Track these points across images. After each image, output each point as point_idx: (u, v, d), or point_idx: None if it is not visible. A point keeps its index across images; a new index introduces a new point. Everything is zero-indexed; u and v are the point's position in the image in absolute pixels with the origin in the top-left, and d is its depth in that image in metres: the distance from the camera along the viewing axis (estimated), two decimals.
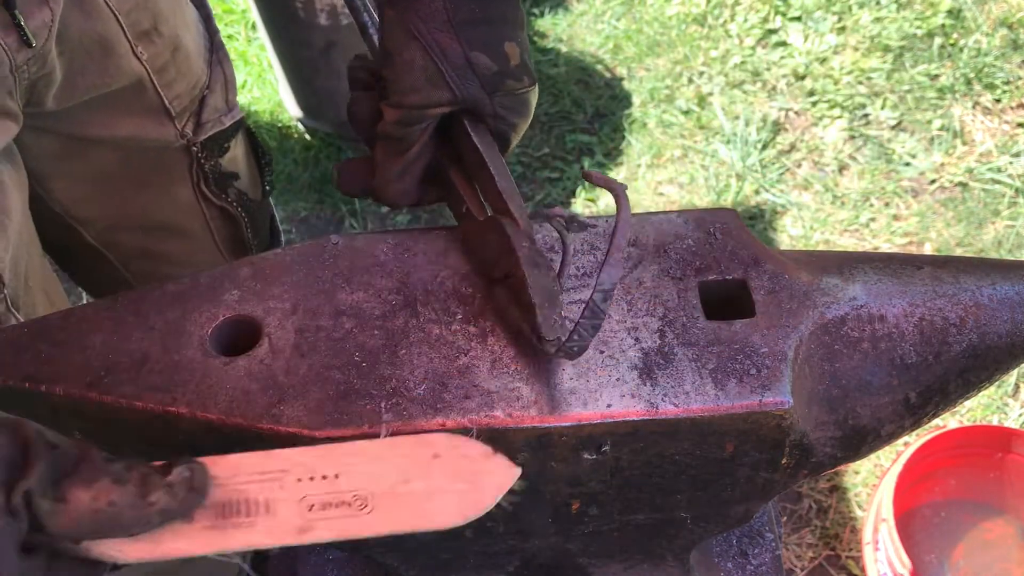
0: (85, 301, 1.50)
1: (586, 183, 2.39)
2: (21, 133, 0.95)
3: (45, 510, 0.50)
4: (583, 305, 0.62)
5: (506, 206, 0.74)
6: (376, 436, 0.65)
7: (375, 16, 0.84)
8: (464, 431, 0.62)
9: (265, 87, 2.64)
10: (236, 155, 1.20)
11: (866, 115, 2.46)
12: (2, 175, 0.93)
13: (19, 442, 0.51)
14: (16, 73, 0.88)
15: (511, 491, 0.59)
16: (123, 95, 1.03)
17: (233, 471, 0.57)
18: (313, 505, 0.57)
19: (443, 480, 0.57)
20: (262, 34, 2.33)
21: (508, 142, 0.79)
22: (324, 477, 0.57)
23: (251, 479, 0.57)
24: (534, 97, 0.78)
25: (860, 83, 2.52)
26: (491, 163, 0.75)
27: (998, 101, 2.46)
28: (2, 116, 0.90)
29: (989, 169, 2.33)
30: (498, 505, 0.59)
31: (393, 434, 0.63)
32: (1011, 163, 2.33)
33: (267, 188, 1.28)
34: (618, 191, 0.64)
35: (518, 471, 0.58)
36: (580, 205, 2.35)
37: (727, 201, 2.32)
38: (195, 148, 1.12)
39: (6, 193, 0.93)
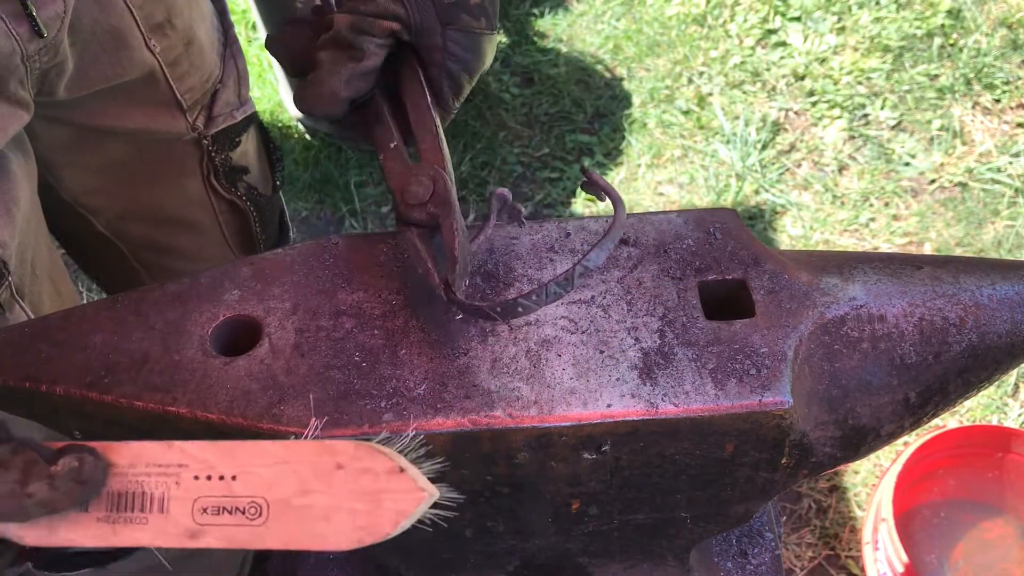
0: (92, 291, 1.48)
1: None
2: (32, 122, 0.95)
3: None
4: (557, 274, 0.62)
5: (441, 157, 0.74)
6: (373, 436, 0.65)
7: None
8: (386, 439, 0.55)
9: (265, 87, 2.64)
10: (247, 149, 1.20)
11: (866, 115, 2.46)
12: (12, 164, 0.94)
13: None
14: (27, 63, 0.89)
15: (441, 506, 0.54)
16: (135, 87, 1.03)
17: (133, 459, 0.54)
18: (207, 508, 0.54)
19: (342, 496, 0.53)
20: (262, 34, 2.33)
21: (459, 86, 0.77)
22: (222, 477, 0.54)
23: (150, 471, 0.54)
24: (491, 44, 0.76)
25: (860, 83, 2.52)
26: (432, 111, 0.75)
27: (998, 101, 2.46)
28: (13, 104, 0.90)
29: (989, 169, 2.33)
30: (424, 521, 0.54)
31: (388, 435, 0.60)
32: (1011, 163, 2.33)
33: (277, 183, 1.28)
34: (614, 197, 0.64)
35: (427, 497, 0.53)
36: (580, 205, 2.35)
37: (727, 201, 2.32)
38: (206, 141, 1.12)
39: (15, 182, 0.94)
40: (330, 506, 0.53)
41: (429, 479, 0.54)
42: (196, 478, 0.54)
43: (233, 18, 2.86)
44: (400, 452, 0.54)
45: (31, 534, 0.54)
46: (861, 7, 2.67)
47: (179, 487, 0.54)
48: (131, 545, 0.55)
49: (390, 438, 0.55)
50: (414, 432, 0.56)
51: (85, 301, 2.10)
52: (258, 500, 0.54)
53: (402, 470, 0.52)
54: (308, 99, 0.76)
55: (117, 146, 1.08)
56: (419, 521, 0.53)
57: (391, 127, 0.77)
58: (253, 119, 1.19)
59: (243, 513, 0.54)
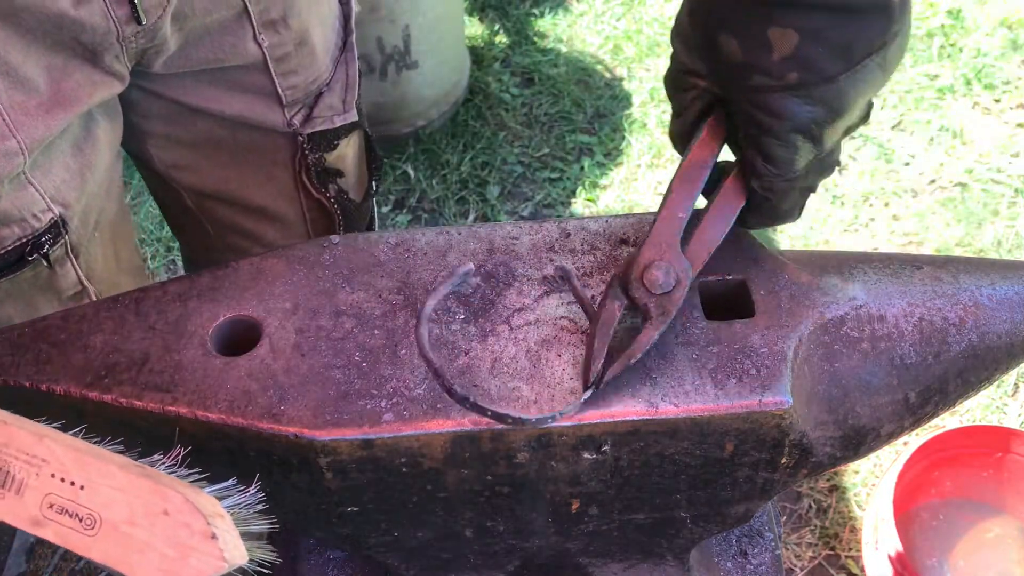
0: (171, 264, 1.46)
1: (585, 183, 2.39)
2: (130, 91, 0.96)
3: None
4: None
5: (701, 258, 0.69)
6: (375, 438, 0.65)
7: None
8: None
9: None
10: (345, 154, 1.19)
11: None
12: (97, 129, 0.95)
13: None
14: (123, 42, 0.89)
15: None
16: (236, 73, 1.03)
17: (7, 441, 0.59)
18: (53, 505, 0.59)
19: (159, 538, 0.58)
20: None
21: (773, 160, 0.64)
22: (72, 483, 0.59)
23: (18, 456, 0.59)
24: (807, 105, 0.60)
25: None
26: (720, 208, 0.68)
27: (998, 101, 2.46)
28: (107, 75, 0.91)
29: (989, 169, 2.33)
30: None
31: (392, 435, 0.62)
32: (1010, 163, 2.33)
33: (372, 191, 1.28)
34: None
35: (225, 566, 0.57)
36: (580, 205, 2.35)
37: None
38: (301, 138, 1.12)
39: (96, 148, 0.95)
40: (147, 543, 0.58)
41: (255, 537, 0.60)
42: (52, 476, 0.59)
43: None
44: (234, 508, 0.59)
45: None
46: None
47: (37, 479, 0.59)
48: None
49: (229, 494, 0.60)
50: (255, 490, 0.62)
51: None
52: (95, 514, 0.59)
53: (214, 536, 0.57)
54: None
55: (210, 126, 1.08)
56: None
57: (687, 185, 0.69)
58: (356, 126, 1.18)
59: (80, 520, 0.59)
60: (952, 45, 2.58)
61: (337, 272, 0.74)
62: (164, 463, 0.61)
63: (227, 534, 0.58)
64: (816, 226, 2.27)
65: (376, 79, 2.28)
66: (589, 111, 2.53)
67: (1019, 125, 2.42)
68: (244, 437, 0.66)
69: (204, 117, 1.07)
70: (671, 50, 0.68)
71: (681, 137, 0.70)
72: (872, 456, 1.91)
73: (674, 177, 0.70)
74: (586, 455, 0.67)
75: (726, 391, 0.66)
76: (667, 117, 2.48)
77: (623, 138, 2.47)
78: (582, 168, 2.42)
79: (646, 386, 0.66)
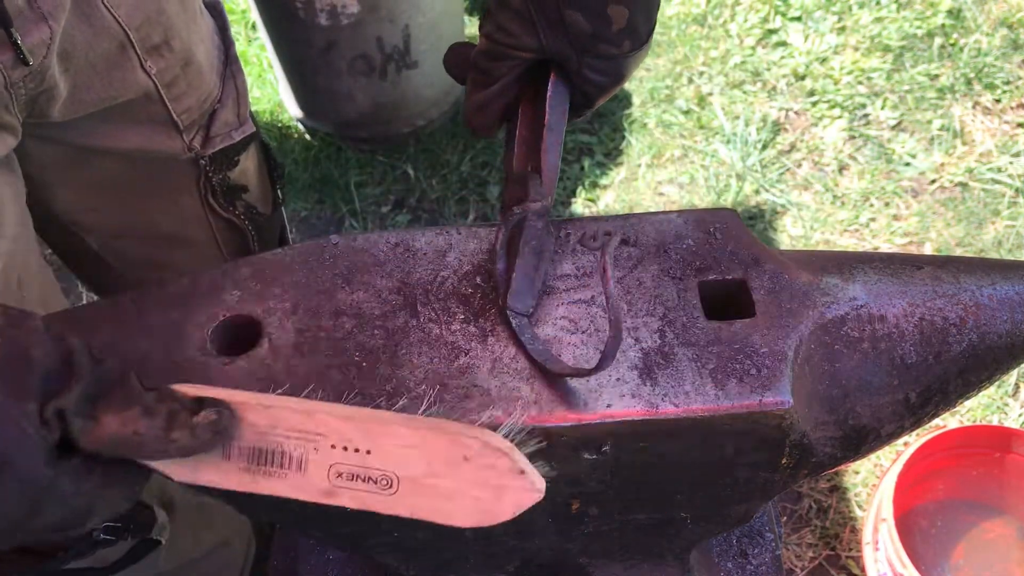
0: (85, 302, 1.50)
1: (585, 183, 2.39)
2: (24, 141, 0.94)
3: (76, 427, 0.52)
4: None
5: (539, 164, 0.75)
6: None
7: None
8: (505, 431, 0.60)
9: (265, 87, 2.64)
10: (247, 168, 1.18)
11: (866, 115, 2.46)
12: None
13: (63, 355, 0.53)
14: (12, 90, 0.87)
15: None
16: (130, 107, 1.02)
17: (273, 424, 0.59)
18: (342, 474, 0.59)
19: (467, 484, 0.58)
20: (262, 34, 2.33)
21: (591, 102, 0.78)
22: (357, 450, 0.59)
23: (289, 435, 0.59)
24: (635, 61, 0.75)
25: (860, 83, 2.52)
26: (548, 120, 0.76)
27: (998, 101, 2.46)
28: None
29: (989, 169, 2.33)
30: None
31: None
32: (1011, 163, 2.33)
33: (278, 201, 1.27)
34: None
35: (539, 495, 0.59)
36: (580, 205, 2.35)
37: (727, 201, 2.32)
38: (203, 161, 1.11)
39: (1, 204, 0.92)
40: (455, 490, 0.59)
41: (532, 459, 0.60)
42: (333, 447, 0.59)
43: (233, 18, 2.87)
44: (518, 445, 0.59)
45: (178, 472, 0.59)
46: (862, 7, 2.67)
47: (317, 452, 0.59)
48: (269, 494, 0.60)
49: (511, 432, 0.60)
50: (531, 426, 0.62)
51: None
52: (389, 474, 0.59)
53: (522, 471, 0.58)
54: (463, 117, 0.80)
55: (111, 165, 1.06)
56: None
57: (514, 133, 0.79)
58: (253, 138, 1.17)
59: (375, 483, 0.59)
60: (952, 45, 2.58)
61: (337, 272, 0.74)
62: (428, 410, 0.61)
63: (527, 464, 0.58)
64: (816, 226, 2.26)
65: (376, 79, 2.28)
66: None
67: (1020, 125, 2.42)
68: None
69: (103, 156, 1.05)
70: (502, 28, 0.74)
71: (489, 103, 0.77)
72: (872, 456, 1.91)
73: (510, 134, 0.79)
74: (586, 455, 0.67)
75: (726, 391, 0.66)
76: (668, 116, 2.49)
77: (623, 138, 2.47)
78: (582, 168, 2.42)
79: (646, 386, 0.66)
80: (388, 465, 0.59)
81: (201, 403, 0.57)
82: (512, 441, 0.59)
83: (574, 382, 0.66)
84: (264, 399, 0.60)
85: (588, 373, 0.64)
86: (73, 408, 0.52)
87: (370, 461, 0.59)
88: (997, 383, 1.82)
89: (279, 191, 1.27)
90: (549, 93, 0.76)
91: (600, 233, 0.75)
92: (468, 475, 0.58)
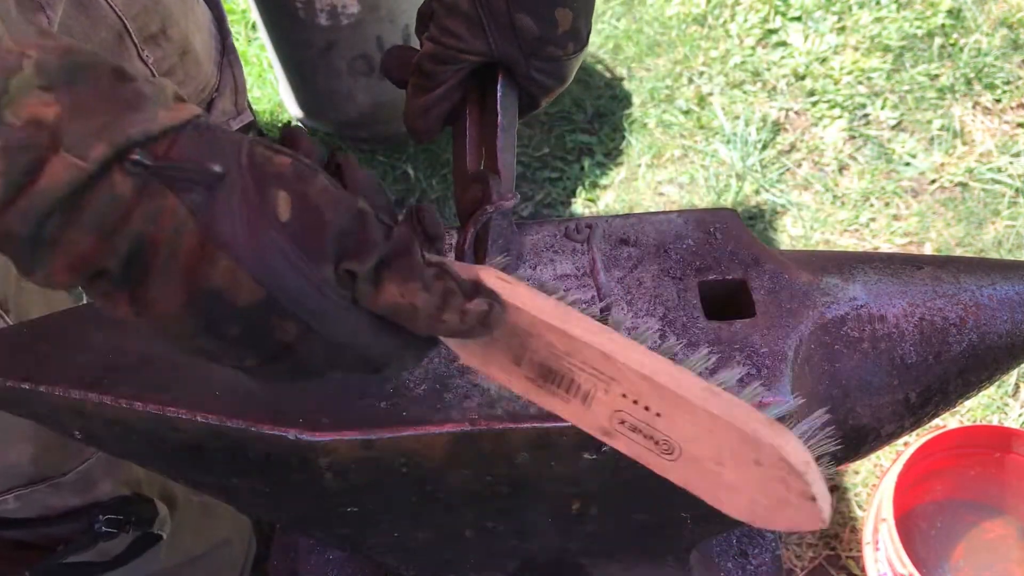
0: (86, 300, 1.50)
1: (585, 183, 2.39)
2: None
3: (362, 291, 0.52)
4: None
5: (496, 163, 0.75)
6: (375, 438, 0.65)
7: None
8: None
9: (265, 87, 2.64)
10: None
11: (866, 115, 2.46)
12: None
13: (359, 219, 0.52)
14: None
15: None
16: None
17: (570, 351, 0.57)
18: (625, 421, 0.57)
19: (750, 485, 0.55)
20: (262, 34, 2.33)
21: (536, 103, 0.79)
22: (647, 408, 0.56)
23: (584, 368, 0.57)
24: (576, 63, 0.77)
25: (860, 83, 2.52)
26: (501, 121, 0.77)
27: (998, 101, 2.46)
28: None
29: (989, 169, 2.33)
30: None
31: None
32: (1011, 163, 2.33)
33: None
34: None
35: (823, 525, 0.54)
36: (580, 205, 2.35)
37: (727, 201, 2.32)
38: None
39: None
40: (736, 484, 0.55)
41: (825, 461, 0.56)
42: (623, 396, 0.56)
43: (233, 18, 2.87)
44: (812, 448, 0.55)
45: (468, 356, 0.59)
46: (862, 7, 2.67)
47: (606, 394, 0.57)
48: (548, 409, 0.59)
49: (809, 432, 0.56)
50: (829, 422, 0.57)
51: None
52: (673, 442, 0.56)
53: (814, 499, 0.53)
54: (404, 121, 0.80)
55: None
56: None
57: (464, 135, 0.79)
58: (251, 127, 1.18)
59: (656, 443, 0.57)
60: (952, 45, 2.58)
61: None
62: (736, 388, 0.57)
63: (821, 488, 0.54)
64: (816, 226, 2.26)
65: (376, 79, 2.28)
66: (589, 111, 2.53)
67: (1020, 125, 2.42)
68: (244, 437, 0.66)
69: None
70: (457, 33, 0.75)
71: (433, 106, 0.77)
72: (872, 456, 1.91)
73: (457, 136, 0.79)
74: (586, 455, 0.67)
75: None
76: (668, 116, 2.49)
77: (623, 138, 2.47)
78: (582, 168, 2.42)
79: None
80: (674, 434, 0.56)
81: (478, 290, 0.56)
82: (807, 443, 0.55)
83: None
84: (567, 322, 0.57)
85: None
86: (364, 273, 0.52)
87: (657, 423, 0.56)
88: (997, 383, 1.82)
89: None
90: (499, 94, 0.77)
91: (582, 226, 0.76)
92: (755, 479, 0.54)
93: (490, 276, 0.58)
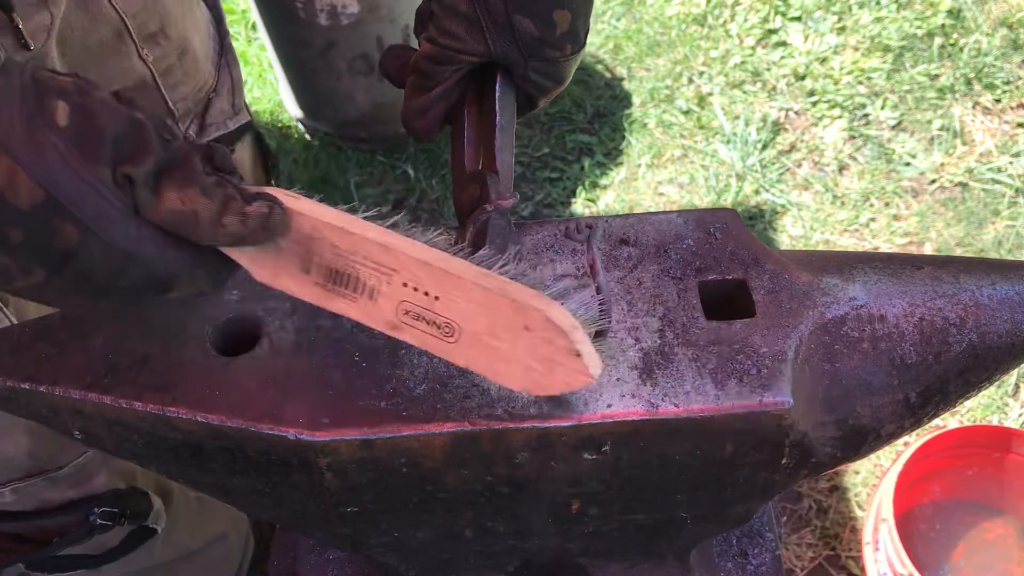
0: None
1: (585, 183, 2.39)
2: None
3: (142, 198, 0.54)
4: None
5: (494, 163, 0.75)
6: (375, 438, 0.65)
7: None
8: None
9: (265, 87, 2.64)
10: (241, 157, 1.19)
11: (866, 115, 2.46)
12: None
13: (132, 125, 0.54)
14: None
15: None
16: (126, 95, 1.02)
17: (353, 249, 0.60)
18: (409, 312, 0.60)
19: (523, 352, 0.59)
20: (262, 34, 2.33)
21: (534, 103, 0.80)
22: (426, 294, 0.59)
23: (366, 263, 0.60)
24: (574, 64, 0.77)
25: (860, 83, 2.52)
26: (499, 121, 0.77)
27: (998, 101, 2.46)
28: None
29: (989, 169, 2.33)
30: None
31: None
32: (1011, 163, 2.33)
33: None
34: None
35: (591, 380, 0.59)
36: (580, 205, 2.35)
37: (727, 201, 2.32)
38: None
39: None
40: (510, 355, 0.59)
41: (597, 348, 0.59)
42: (404, 285, 0.60)
43: (233, 18, 2.87)
44: (579, 310, 0.59)
45: (258, 272, 0.61)
46: (862, 7, 2.67)
47: (389, 286, 0.60)
48: (338, 313, 0.62)
49: (580, 307, 0.59)
50: (604, 302, 0.63)
51: None
52: (453, 323, 0.60)
53: (578, 353, 0.57)
54: (402, 121, 0.80)
55: None
56: None
57: (463, 135, 0.79)
58: (248, 128, 1.18)
59: (438, 328, 0.60)
60: (952, 45, 2.58)
61: None
62: (505, 266, 0.61)
63: (586, 347, 0.58)
64: (816, 226, 2.26)
65: (376, 79, 2.28)
66: (589, 111, 2.53)
67: (1020, 125, 2.42)
68: (244, 437, 0.66)
69: None
70: (456, 37, 0.75)
71: (431, 106, 0.78)
72: (872, 456, 1.91)
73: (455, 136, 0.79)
74: (586, 455, 0.67)
75: (726, 391, 0.66)
76: (668, 116, 2.49)
77: (623, 138, 2.47)
78: (582, 168, 2.42)
79: (646, 386, 0.66)
80: (453, 315, 0.59)
81: (258, 196, 0.57)
82: (581, 316, 0.59)
83: None
84: (348, 223, 0.60)
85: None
86: (141, 179, 0.53)
87: (437, 307, 0.59)
88: (997, 383, 1.82)
89: (273, 182, 1.28)
90: (497, 95, 0.77)
91: (583, 226, 0.76)
92: (525, 344, 0.58)
93: (274, 190, 0.59)
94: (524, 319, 0.58)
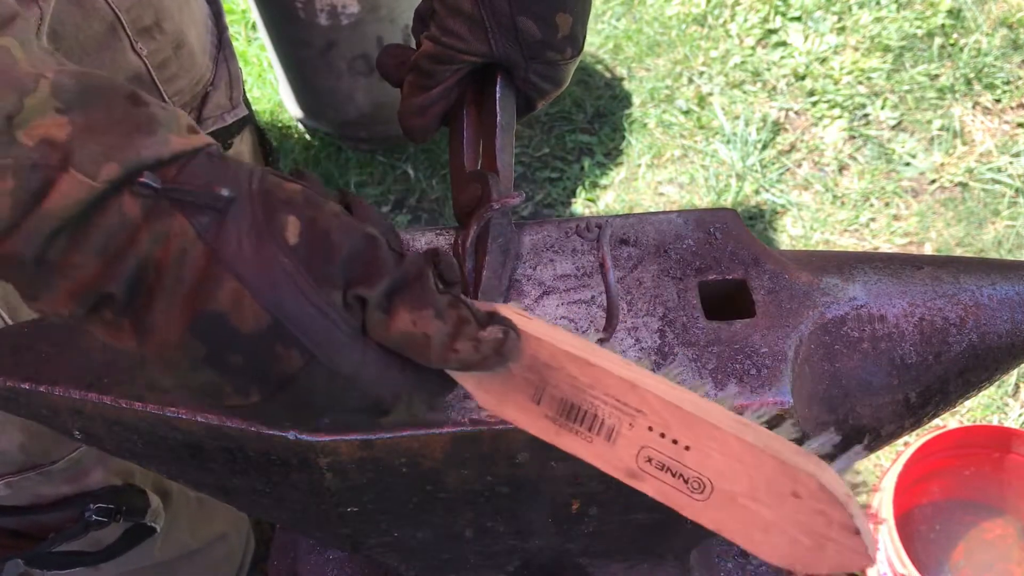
0: None
1: (585, 183, 2.39)
2: None
3: (373, 320, 0.50)
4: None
5: (495, 163, 0.75)
6: (375, 438, 0.65)
7: None
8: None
9: (265, 87, 2.64)
10: (240, 151, 1.19)
11: (866, 115, 2.46)
12: None
13: (369, 244, 0.51)
14: None
15: None
16: None
17: (593, 383, 0.54)
18: (652, 459, 0.53)
19: (788, 521, 0.51)
20: (262, 34, 2.33)
21: (534, 105, 0.80)
22: (675, 441, 0.53)
23: (607, 400, 0.54)
24: (572, 68, 0.78)
25: (860, 83, 2.52)
26: (500, 121, 0.77)
27: (998, 101, 2.46)
28: None
29: (989, 169, 2.33)
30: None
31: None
32: (1011, 163, 2.33)
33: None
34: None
35: (870, 563, 0.50)
36: (580, 205, 2.35)
37: (727, 201, 2.32)
38: None
39: None
40: (773, 523, 0.51)
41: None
42: (650, 429, 0.53)
43: (233, 18, 2.87)
44: (843, 470, 0.52)
45: (484, 399, 0.56)
46: (861, 7, 2.67)
47: (631, 429, 0.53)
48: (568, 451, 0.55)
49: (847, 465, 0.52)
50: (862, 453, 0.54)
51: None
52: (704, 478, 0.52)
53: (858, 532, 0.49)
54: (401, 126, 0.79)
55: None
56: None
57: (462, 134, 0.79)
58: (247, 121, 1.18)
59: (686, 482, 0.53)
60: (952, 45, 2.58)
61: None
62: (764, 417, 0.54)
63: (863, 521, 0.50)
64: (816, 226, 2.26)
65: (376, 79, 2.28)
66: (589, 111, 2.53)
67: (1020, 125, 2.42)
68: (244, 437, 0.66)
69: None
70: (456, 33, 0.75)
71: (429, 106, 0.77)
72: (872, 456, 1.91)
73: (453, 135, 0.80)
74: None
75: (726, 391, 0.66)
76: (668, 116, 2.49)
77: (623, 138, 2.47)
78: (582, 168, 2.42)
79: None
80: (706, 470, 0.52)
81: (492, 319, 0.53)
82: (843, 476, 0.51)
83: None
84: (590, 353, 0.54)
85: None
86: (374, 300, 0.50)
87: (687, 458, 0.52)
88: (997, 383, 1.82)
89: None
90: (498, 95, 0.77)
91: (592, 225, 0.76)
92: (793, 514, 0.50)
93: (506, 309, 0.55)
94: (793, 484, 0.50)
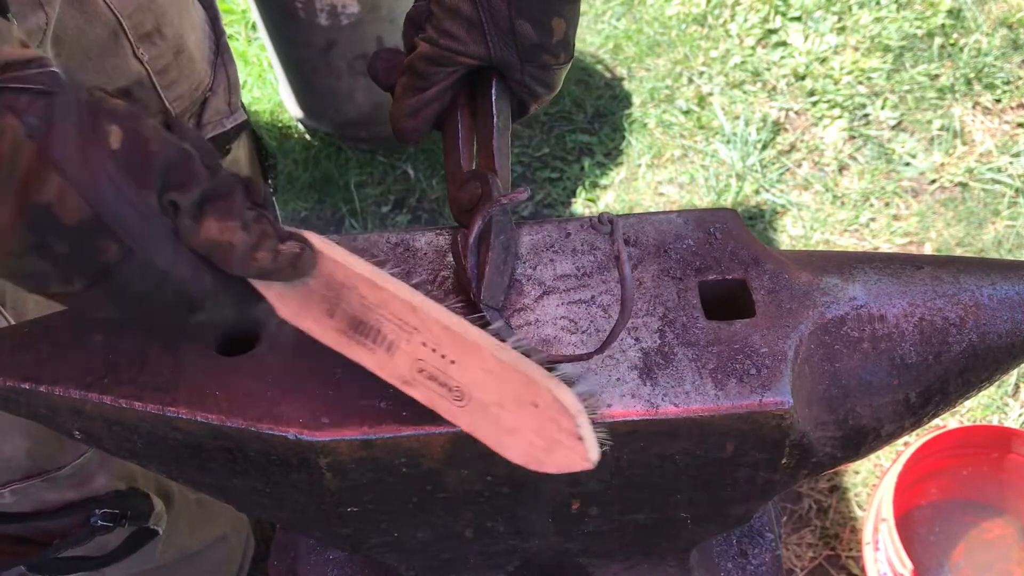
0: None
1: (585, 183, 2.39)
2: None
3: (183, 225, 0.56)
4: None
5: (493, 164, 0.75)
6: (375, 438, 0.65)
7: None
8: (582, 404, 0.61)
9: (265, 87, 2.64)
10: (238, 157, 1.19)
11: (866, 115, 2.46)
12: None
13: (184, 156, 0.56)
14: None
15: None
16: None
17: (380, 303, 0.62)
18: (423, 370, 0.62)
19: (527, 426, 0.60)
20: (262, 34, 2.33)
21: (527, 108, 0.81)
22: (443, 356, 0.61)
23: (391, 319, 0.62)
24: (564, 73, 0.79)
25: (860, 83, 2.52)
26: (496, 123, 0.77)
27: (998, 101, 2.46)
28: None
29: (989, 169, 2.33)
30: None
31: None
32: (1011, 163, 2.33)
33: (270, 191, 1.28)
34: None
35: (590, 465, 0.60)
36: (580, 205, 2.35)
37: (727, 201, 2.32)
38: None
39: None
40: (515, 427, 0.61)
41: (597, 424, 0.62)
42: (423, 344, 0.62)
43: (233, 18, 2.87)
44: (584, 396, 0.61)
45: (283, 309, 0.63)
46: (862, 7, 2.67)
47: (408, 343, 0.62)
48: (355, 361, 0.63)
49: (585, 395, 0.62)
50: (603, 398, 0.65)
51: None
52: (463, 388, 0.62)
53: (580, 437, 0.59)
54: (392, 128, 0.81)
55: None
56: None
57: (457, 135, 0.80)
58: (244, 127, 1.18)
59: (449, 390, 0.62)
60: (952, 45, 2.57)
61: None
62: (519, 342, 0.63)
63: (589, 432, 0.60)
64: (816, 226, 2.26)
65: None
66: (589, 111, 2.53)
67: (1020, 125, 2.42)
68: (244, 437, 0.66)
69: None
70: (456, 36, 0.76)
71: (423, 107, 0.78)
72: (872, 456, 1.91)
73: (449, 136, 0.80)
74: None
75: (726, 391, 0.66)
76: (668, 116, 2.49)
77: (623, 138, 2.47)
78: (582, 168, 2.42)
79: (646, 386, 0.66)
80: (465, 381, 0.61)
81: (292, 236, 0.60)
82: (586, 401, 0.60)
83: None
84: (380, 278, 0.62)
85: (587, 357, 0.65)
86: (186, 206, 0.55)
87: (451, 370, 0.61)
88: (997, 383, 1.82)
89: (271, 181, 1.28)
90: (494, 97, 0.77)
91: (606, 219, 0.76)
92: (531, 419, 0.60)
93: (309, 234, 0.61)
94: (534, 395, 0.60)
